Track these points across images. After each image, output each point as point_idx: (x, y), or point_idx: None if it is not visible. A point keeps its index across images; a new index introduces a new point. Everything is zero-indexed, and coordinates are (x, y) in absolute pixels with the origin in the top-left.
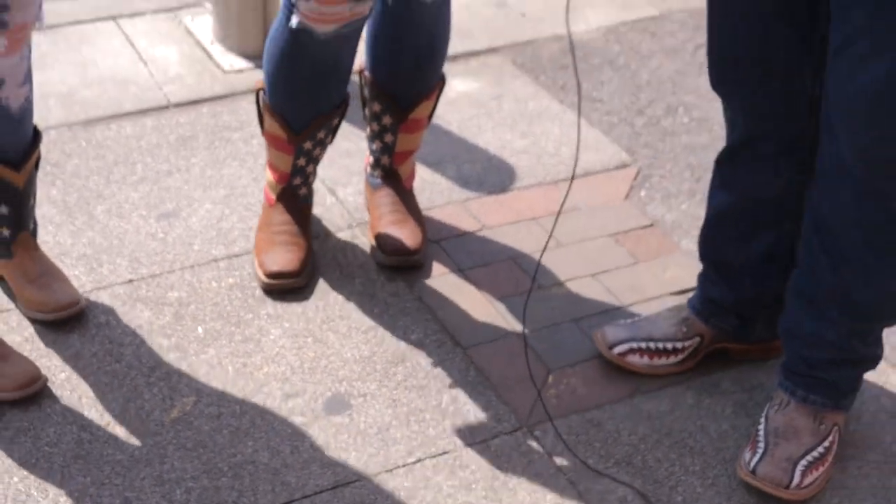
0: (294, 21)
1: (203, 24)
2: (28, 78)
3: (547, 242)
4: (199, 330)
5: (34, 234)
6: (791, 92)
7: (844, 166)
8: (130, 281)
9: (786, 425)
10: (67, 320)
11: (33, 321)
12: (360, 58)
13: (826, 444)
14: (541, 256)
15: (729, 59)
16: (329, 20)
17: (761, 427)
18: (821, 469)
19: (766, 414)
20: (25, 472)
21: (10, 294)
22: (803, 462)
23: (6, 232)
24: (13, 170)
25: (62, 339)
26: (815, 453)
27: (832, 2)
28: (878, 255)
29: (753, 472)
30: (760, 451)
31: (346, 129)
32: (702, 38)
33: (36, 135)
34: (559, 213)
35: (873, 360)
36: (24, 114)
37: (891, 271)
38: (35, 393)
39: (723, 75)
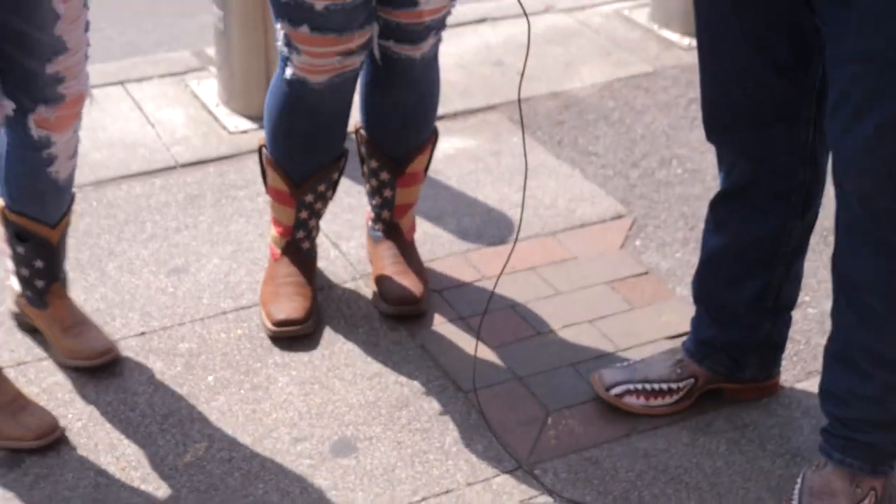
0: (289, 73)
1: (208, 87)
2: (76, 151)
3: (489, 301)
4: (210, 379)
5: (64, 283)
6: (787, 140)
7: (856, 222)
8: (142, 333)
9: (822, 486)
10: (95, 369)
11: (70, 368)
12: (356, 117)
13: None
14: (482, 317)
15: (722, 108)
16: (320, 71)
17: (797, 486)
18: None
19: (804, 474)
20: None
21: (43, 343)
22: None
23: (40, 283)
24: (50, 227)
25: (78, 390)
26: None
27: (827, 57)
28: None
29: None
30: None
31: (347, 184)
32: (693, 93)
33: (72, 196)
34: (503, 269)
35: None
36: (69, 183)
37: None
38: (53, 441)
39: (717, 125)
